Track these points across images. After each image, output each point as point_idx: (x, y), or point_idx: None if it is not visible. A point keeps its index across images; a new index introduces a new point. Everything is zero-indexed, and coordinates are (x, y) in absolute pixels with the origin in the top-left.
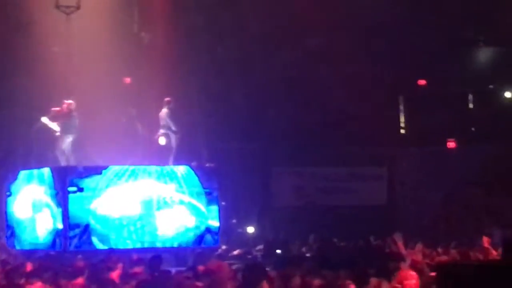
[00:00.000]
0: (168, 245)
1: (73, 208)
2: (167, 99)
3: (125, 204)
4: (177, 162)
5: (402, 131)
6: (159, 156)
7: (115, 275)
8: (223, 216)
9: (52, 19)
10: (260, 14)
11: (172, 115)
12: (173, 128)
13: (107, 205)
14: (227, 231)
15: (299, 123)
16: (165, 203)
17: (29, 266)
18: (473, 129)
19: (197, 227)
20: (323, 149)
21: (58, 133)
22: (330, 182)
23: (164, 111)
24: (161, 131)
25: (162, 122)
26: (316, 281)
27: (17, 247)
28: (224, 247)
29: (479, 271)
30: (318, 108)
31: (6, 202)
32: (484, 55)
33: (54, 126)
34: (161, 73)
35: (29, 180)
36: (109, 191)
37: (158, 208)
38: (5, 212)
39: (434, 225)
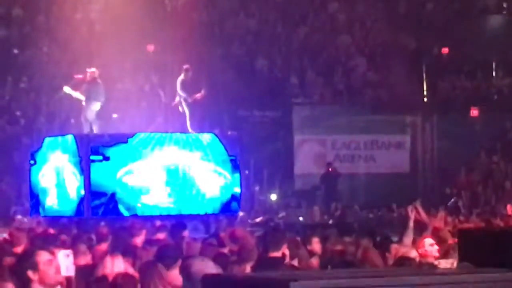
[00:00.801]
0: (195, 212)
1: (98, 177)
2: (185, 66)
3: (151, 172)
4: (200, 129)
5: (425, 99)
6: (180, 123)
7: (138, 241)
8: (246, 183)
9: None
10: None
11: (186, 84)
12: (184, 96)
13: (133, 174)
14: (250, 199)
15: (320, 90)
16: (190, 170)
17: (51, 231)
18: (495, 97)
19: (223, 194)
20: (345, 117)
21: (83, 102)
22: (352, 150)
23: (180, 78)
24: (177, 98)
25: (178, 90)
26: (337, 247)
27: (42, 214)
28: (241, 213)
29: (501, 237)
30: (340, 76)
31: (29, 171)
32: (507, 23)
33: (78, 94)
34: (184, 40)
35: (53, 147)
36: (135, 160)
37: (184, 176)
38: (29, 180)
39: (457, 194)
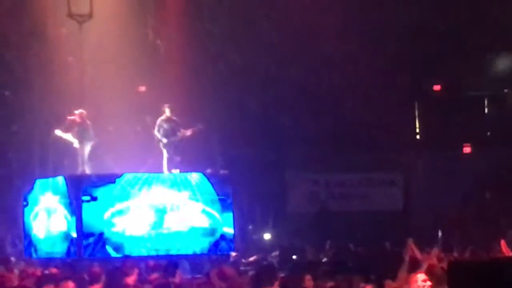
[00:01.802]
0: (183, 252)
1: (87, 217)
2: (166, 105)
3: (139, 212)
4: (191, 169)
5: (418, 136)
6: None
7: (131, 280)
8: (239, 223)
9: (65, 28)
10: (274, 22)
11: (169, 122)
12: (159, 137)
13: (121, 214)
14: (244, 238)
15: (313, 129)
16: (178, 209)
17: (44, 272)
18: (488, 133)
19: (212, 234)
20: (338, 155)
21: (75, 144)
22: (345, 188)
23: (161, 119)
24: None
25: (155, 131)
26: (329, 284)
27: (34, 256)
28: (234, 254)
29: (489, 267)
30: (332, 115)
31: (23, 212)
32: (499, 59)
33: (69, 137)
34: (176, 81)
35: (44, 189)
36: (123, 200)
37: (171, 215)
38: (23, 222)
39: (450, 230)
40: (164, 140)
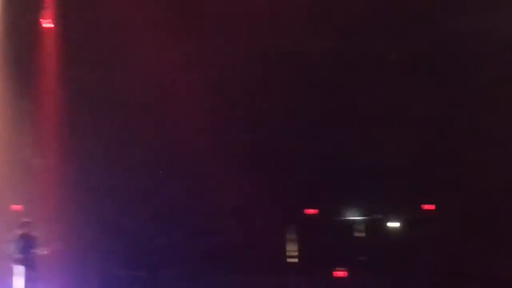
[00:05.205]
0: None
1: None
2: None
3: None
4: None
5: (290, 259)
6: None
7: None
8: None
9: None
10: None
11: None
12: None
13: None
14: None
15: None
16: None
17: None
18: (362, 258)
19: None
20: (205, 279)
21: None
22: None
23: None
24: None
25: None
26: None
27: None
28: None
29: None
30: (208, 237)
31: None
32: (370, 185)
33: None
34: (53, 198)
35: None
36: None
37: None
38: None
39: None
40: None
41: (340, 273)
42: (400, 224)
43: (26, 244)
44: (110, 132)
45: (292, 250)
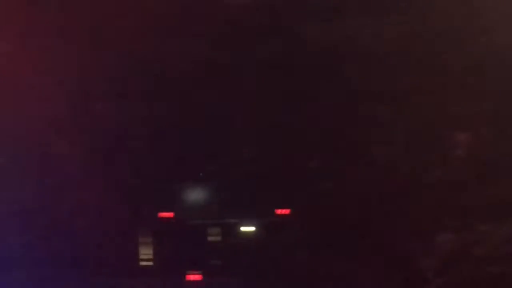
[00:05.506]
0: None
1: None
2: None
3: None
4: None
5: (143, 262)
6: None
7: None
8: None
9: None
10: None
11: None
12: None
13: None
14: None
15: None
16: None
17: None
18: (216, 261)
19: None
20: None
21: None
22: None
23: None
24: None
25: None
26: None
27: None
28: None
29: None
30: (60, 237)
31: None
32: (226, 189)
33: None
34: None
35: None
36: None
37: None
38: None
39: None
40: None
41: (194, 277)
42: (255, 229)
43: None
44: None
45: (146, 253)
